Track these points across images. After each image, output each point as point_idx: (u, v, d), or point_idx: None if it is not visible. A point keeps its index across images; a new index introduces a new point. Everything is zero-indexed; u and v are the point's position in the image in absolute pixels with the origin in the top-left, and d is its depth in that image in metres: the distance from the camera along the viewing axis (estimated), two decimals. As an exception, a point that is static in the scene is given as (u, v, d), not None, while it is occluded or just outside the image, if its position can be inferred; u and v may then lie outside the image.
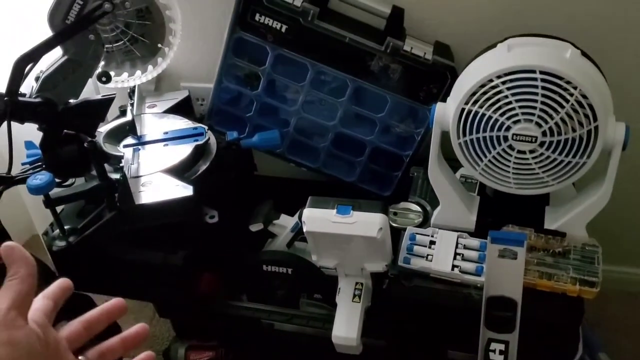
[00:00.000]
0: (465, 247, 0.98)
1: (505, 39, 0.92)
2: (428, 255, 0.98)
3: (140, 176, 1.05)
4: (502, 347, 0.91)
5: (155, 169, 1.05)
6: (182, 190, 1.00)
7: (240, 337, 1.14)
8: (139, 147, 1.11)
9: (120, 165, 1.06)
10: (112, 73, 1.14)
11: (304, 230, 0.96)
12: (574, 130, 0.86)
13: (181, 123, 1.16)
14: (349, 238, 0.95)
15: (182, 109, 1.25)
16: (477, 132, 0.90)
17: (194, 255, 1.06)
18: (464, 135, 0.91)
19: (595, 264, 0.90)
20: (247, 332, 1.12)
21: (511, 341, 0.91)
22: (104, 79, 1.13)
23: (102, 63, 1.12)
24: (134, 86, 1.22)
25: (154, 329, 1.44)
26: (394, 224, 1.07)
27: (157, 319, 1.41)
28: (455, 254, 0.97)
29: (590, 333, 1.18)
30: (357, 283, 1.03)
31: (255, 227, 1.19)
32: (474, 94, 0.87)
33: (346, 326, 0.99)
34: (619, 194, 0.93)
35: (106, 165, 1.02)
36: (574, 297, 0.91)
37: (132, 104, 1.19)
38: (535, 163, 0.90)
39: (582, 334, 0.98)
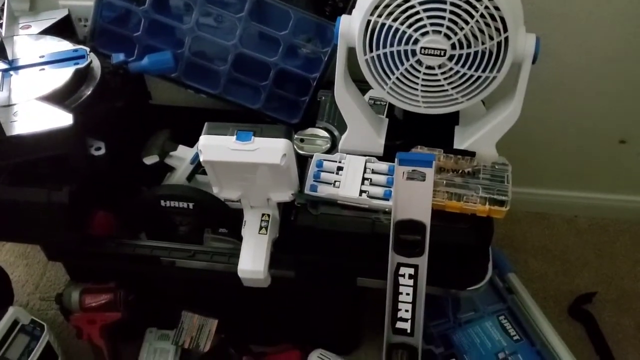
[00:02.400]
0: (373, 172, 0.94)
1: (413, -56, 0.85)
2: (335, 181, 0.93)
3: (12, 105, 0.92)
4: (411, 271, 0.88)
5: (30, 97, 0.93)
6: (60, 118, 0.89)
7: (140, 277, 1.06)
8: (10, 72, 0.98)
9: (-13, 92, 0.92)
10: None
11: (201, 159, 0.88)
12: (483, 43, 0.81)
13: (60, 45, 1.03)
14: (251, 167, 0.88)
15: (61, 30, 1.10)
16: (384, 46, 0.84)
17: (82, 192, 0.96)
18: (371, 50, 0.85)
19: (505, 183, 0.88)
20: (146, 272, 1.04)
21: (420, 265, 0.88)
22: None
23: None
24: (3, 3, 1.06)
25: (49, 273, 1.33)
26: (300, 151, 1.00)
27: (52, 263, 1.31)
28: (364, 179, 0.93)
29: (499, 254, 1.19)
30: (263, 214, 0.97)
31: (149, 160, 1.10)
32: (379, 4, 0.80)
33: (253, 259, 0.93)
34: (528, 113, 0.90)
35: (-32, 93, 0.89)
36: (484, 217, 0.88)
37: (0, 25, 1.04)
38: (444, 79, 0.85)
39: (491, 255, 0.98)
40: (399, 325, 0.91)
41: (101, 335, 1.04)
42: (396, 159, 0.86)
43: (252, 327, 1.14)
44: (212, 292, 1.08)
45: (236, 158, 0.87)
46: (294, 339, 1.17)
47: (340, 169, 0.94)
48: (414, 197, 0.86)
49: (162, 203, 1.02)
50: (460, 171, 0.92)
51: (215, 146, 0.87)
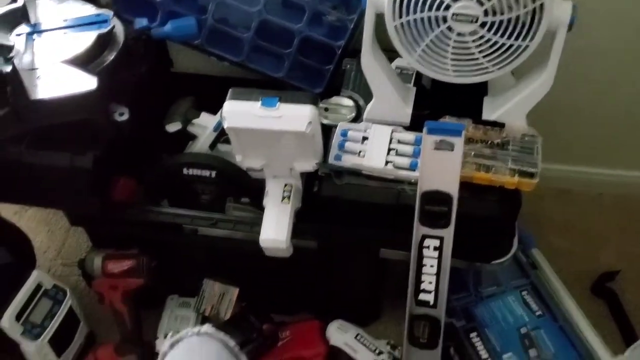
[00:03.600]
0: (399, 142, 0.92)
1: None
2: (360, 151, 0.91)
3: (36, 69, 0.92)
4: (436, 243, 0.87)
5: (54, 60, 0.92)
6: (84, 82, 0.88)
7: (162, 244, 1.06)
8: (33, 35, 0.97)
9: (11, 55, 0.91)
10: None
11: (225, 126, 0.87)
12: (517, 9, 0.78)
13: (83, 9, 1.01)
14: (275, 134, 0.87)
15: (84, -6, 1.09)
16: (415, 12, 0.81)
17: (106, 158, 0.96)
18: (400, 16, 0.82)
19: (534, 155, 0.86)
20: (169, 239, 1.04)
21: (446, 237, 0.87)
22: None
23: None
24: (26, -33, 1.05)
25: (71, 239, 1.33)
26: (325, 121, 0.98)
27: (75, 229, 1.31)
28: (389, 149, 0.91)
29: (523, 229, 1.17)
30: (286, 184, 0.96)
31: (172, 127, 1.09)
32: (411, -33, 0.78)
33: (275, 229, 0.93)
34: (557, 83, 0.87)
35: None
36: (512, 190, 0.87)
37: (24, -13, 1.03)
38: (475, 47, 0.82)
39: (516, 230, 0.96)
40: (422, 297, 0.90)
41: (123, 301, 1.05)
42: (425, 128, 0.84)
43: (272, 296, 1.14)
44: (233, 260, 1.08)
45: (261, 125, 0.86)
46: (314, 310, 1.17)
47: (365, 138, 0.93)
48: (441, 168, 0.85)
49: (185, 171, 1.02)
50: (489, 142, 0.90)
51: (240, 112, 0.86)
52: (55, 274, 1.27)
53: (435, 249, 0.87)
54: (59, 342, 1.04)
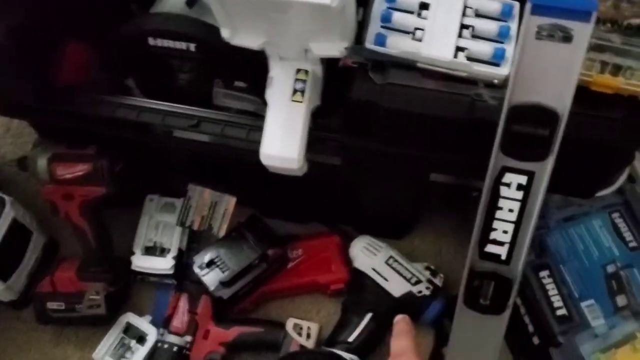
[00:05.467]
0: (477, 14, 0.59)
1: None
2: (417, 29, 0.59)
3: None
4: (522, 180, 0.58)
5: None
6: None
7: (128, 145, 0.77)
8: None
9: None
10: None
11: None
12: None
13: None
14: (281, 4, 0.54)
15: None
16: None
17: (33, 23, 0.64)
18: None
19: None
20: (135, 140, 0.75)
21: (538, 173, 0.57)
22: None
23: None
24: None
25: (15, 130, 1.02)
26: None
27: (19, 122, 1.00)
28: (462, 26, 0.58)
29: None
30: (298, 70, 0.64)
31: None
32: None
33: (282, 140, 0.64)
34: None
35: None
36: (647, 103, 0.56)
37: None
38: None
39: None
40: (490, 249, 0.62)
41: (82, 214, 0.79)
42: (528, 4, 0.50)
43: (278, 205, 0.89)
44: (226, 166, 0.80)
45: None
46: (333, 220, 0.92)
47: (424, 6, 0.59)
48: (548, 69, 0.53)
49: (151, 41, 0.69)
50: (622, 24, 0.56)
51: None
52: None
53: (520, 187, 0.58)
54: (5, 261, 0.82)
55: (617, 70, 0.55)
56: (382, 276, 0.84)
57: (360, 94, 0.59)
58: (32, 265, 0.86)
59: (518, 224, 0.60)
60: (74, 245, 0.90)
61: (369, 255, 0.86)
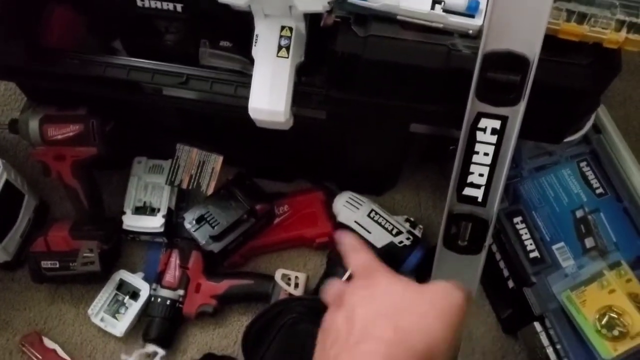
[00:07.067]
0: (454, -30, 0.62)
1: None
2: (395, -16, 0.62)
3: None
4: (496, 124, 0.62)
5: None
6: None
7: (118, 106, 0.79)
8: None
9: None
10: None
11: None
12: None
13: None
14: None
15: None
16: None
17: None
18: None
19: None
20: (124, 99, 0.77)
21: (511, 117, 0.61)
22: None
23: None
24: None
25: (1, 98, 1.02)
26: None
27: (5, 90, 1.01)
28: (438, -20, 0.61)
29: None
30: (283, 28, 0.67)
31: None
32: None
33: (269, 94, 0.66)
34: None
35: None
36: (611, 50, 0.60)
37: None
38: None
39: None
40: (468, 192, 0.67)
41: (74, 175, 0.82)
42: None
43: (265, 163, 0.92)
44: (214, 123, 0.83)
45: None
46: (317, 177, 0.95)
47: (402, -39, 0.62)
48: (518, 16, 0.56)
49: (139, 2, 0.71)
50: (587, -26, 0.60)
51: None
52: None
53: (494, 132, 0.62)
54: (-1, 223, 0.84)
55: (582, 18, 0.59)
56: (364, 228, 0.88)
57: (344, 46, 0.63)
58: (24, 227, 0.88)
59: (493, 166, 0.65)
60: (64, 207, 0.93)
61: (351, 210, 0.90)
